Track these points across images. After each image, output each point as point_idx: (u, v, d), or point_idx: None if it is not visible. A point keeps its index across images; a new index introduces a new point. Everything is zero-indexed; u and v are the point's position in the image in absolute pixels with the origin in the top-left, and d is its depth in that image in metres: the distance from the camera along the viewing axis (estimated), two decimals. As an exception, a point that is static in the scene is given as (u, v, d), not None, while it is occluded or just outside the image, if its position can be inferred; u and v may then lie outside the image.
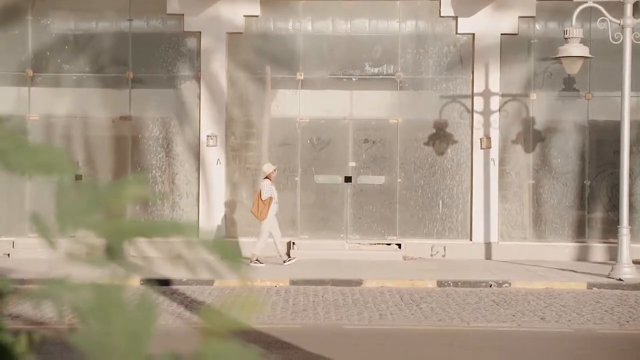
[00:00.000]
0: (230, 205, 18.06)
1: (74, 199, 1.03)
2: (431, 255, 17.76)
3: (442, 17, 18.01)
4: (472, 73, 17.97)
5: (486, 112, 17.92)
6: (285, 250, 16.67)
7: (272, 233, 16.06)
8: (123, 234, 1.01)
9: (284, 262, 16.10)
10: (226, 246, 1.04)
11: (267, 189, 15.97)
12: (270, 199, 15.95)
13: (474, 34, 17.90)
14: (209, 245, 1.03)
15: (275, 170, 16.34)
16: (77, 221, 1.01)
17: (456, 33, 18.03)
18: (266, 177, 16.15)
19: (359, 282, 14.28)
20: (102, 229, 1.02)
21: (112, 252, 1.01)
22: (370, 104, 18.29)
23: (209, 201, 17.85)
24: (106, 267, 1.01)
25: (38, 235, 1.02)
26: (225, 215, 17.94)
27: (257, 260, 15.94)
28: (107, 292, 1.00)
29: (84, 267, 1.03)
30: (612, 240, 16.97)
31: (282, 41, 18.22)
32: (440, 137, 18.17)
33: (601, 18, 15.05)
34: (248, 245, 16.54)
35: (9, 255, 17.20)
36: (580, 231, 18.07)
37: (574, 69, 15.52)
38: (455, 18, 17.94)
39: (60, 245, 1.02)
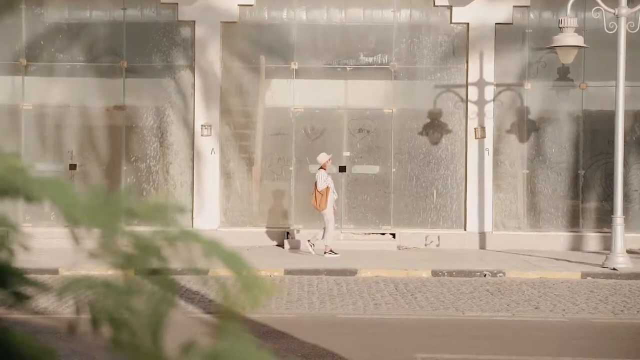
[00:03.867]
0: (224, 195, 18.04)
1: (104, 205, 1.04)
2: (425, 245, 17.77)
3: (436, 6, 17.97)
4: (467, 63, 17.96)
5: (480, 102, 17.91)
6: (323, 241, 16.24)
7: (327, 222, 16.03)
8: (146, 242, 1.02)
9: (325, 253, 15.94)
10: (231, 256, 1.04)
11: (323, 179, 15.96)
12: (327, 188, 15.94)
13: (468, 24, 17.87)
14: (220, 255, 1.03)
15: (330, 160, 16.27)
16: (103, 224, 1.01)
17: (450, 22, 17.99)
18: (321, 168, 16.11)
19: (353, 272, 14.28)
20: (124, 233, 1.02)
21: (135, 259, 1.02)
22: (365, 94, 18.26)
23: (203, 191, 17.82)
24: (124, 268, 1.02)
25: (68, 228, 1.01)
26: (219, 205, 17.92)
27: (331, 251, 15.94)
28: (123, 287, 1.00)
29: (103, 264, 1.04)
30: (606, 229, 17.00)
31: (277, 30, 18.17)
32: (434, 126, 18.16)
33: (596, 7, 15.03)
34: (237, 235, 16.47)
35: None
36: (574, 221, 18.10)
37: (568, 58, 15.52)
38: (450, 7, 17.90)
39: (85, 243, 1.02)
